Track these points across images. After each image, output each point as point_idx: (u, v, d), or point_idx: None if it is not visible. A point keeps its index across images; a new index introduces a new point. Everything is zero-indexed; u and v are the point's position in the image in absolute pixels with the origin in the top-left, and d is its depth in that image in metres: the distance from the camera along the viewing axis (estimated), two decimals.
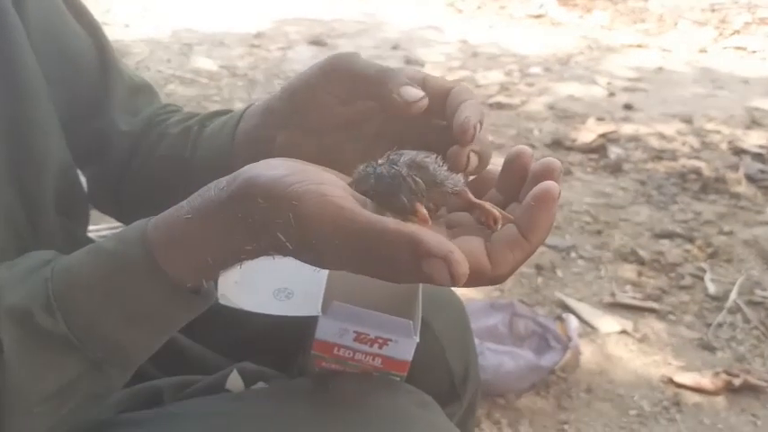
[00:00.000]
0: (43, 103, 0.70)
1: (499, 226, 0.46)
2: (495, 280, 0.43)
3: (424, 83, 0.55)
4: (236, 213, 0.44)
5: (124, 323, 0.49)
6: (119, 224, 1.71)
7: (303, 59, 4.08)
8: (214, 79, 3.65)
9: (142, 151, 0.77)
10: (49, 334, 0.48)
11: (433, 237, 0.39)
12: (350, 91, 0.57)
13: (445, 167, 0.48)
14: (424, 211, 0.44)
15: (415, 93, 0.52)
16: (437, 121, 0.55)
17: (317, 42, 4.39)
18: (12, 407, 0.49)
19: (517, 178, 0.48)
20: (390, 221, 0.41)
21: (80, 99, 0.75)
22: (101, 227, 1.41)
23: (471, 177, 0.53)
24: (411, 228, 0.40)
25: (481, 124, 0.50)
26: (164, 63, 3.85)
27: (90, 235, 0.86)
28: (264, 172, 0.44)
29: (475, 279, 0.42)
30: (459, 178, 0.48)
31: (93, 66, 0.76)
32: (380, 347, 0.64)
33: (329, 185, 0.43)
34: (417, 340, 0.63)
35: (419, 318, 0.64)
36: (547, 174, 0.45)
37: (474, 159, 0.50)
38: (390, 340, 0.63)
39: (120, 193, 0.80)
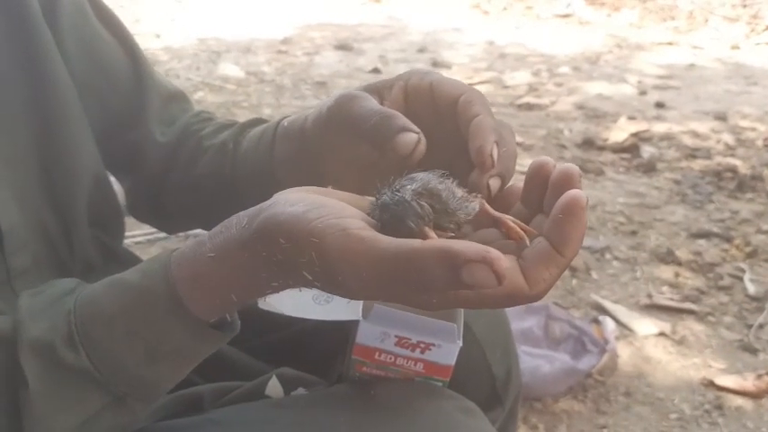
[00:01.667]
0: (76, 116, 0.70)
1: (527, 241, 0.44)
2: (533, 299, 0.41)
3: (431, 90, 0.55)
4: (259, 252, 0.43)
5: (147, 358, 0.49)
6: (153, 231, 1.73)
7: (330, 64, 4.09)
8: (242, 85, 3.67)
9: (180, 164, 0.77)
10: (71, 368, 0.48)
11: (463, 243, 0.38)
12: (352, 136, 0.56)
13: (460, 192, 0.46)
14: (433, 235, 0.42)
15: (408, 142, 0.51)
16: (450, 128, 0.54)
17: (343, 47, 4.40)
18: None
19: (541, 190, 0.46)
20: (415, 241, 0.39)
21: (116, 110, 0.76)
22: (135, 233, 1.42)
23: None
24: (438, 241, 0.39)
25: (497, 144, 0.50)
26: (192, 71, 3.89)
27: (126, 241, 0.86)
28: (284, 209, 0.42)
29: (513, 300, 0.41)
30: (473, 205, 0.46)
31: (127, 76, 0.77)
32: (423, 352, 0.63)
33: (349, 218, 0.41)
34: (461, 344, 0.62)
35: (461, 321, 0.63)
36: (567, 181, 0.44)
37: (495, 184, 0.50)
38: (433, 345, 0.62)
39: (159, 205, 0.80)
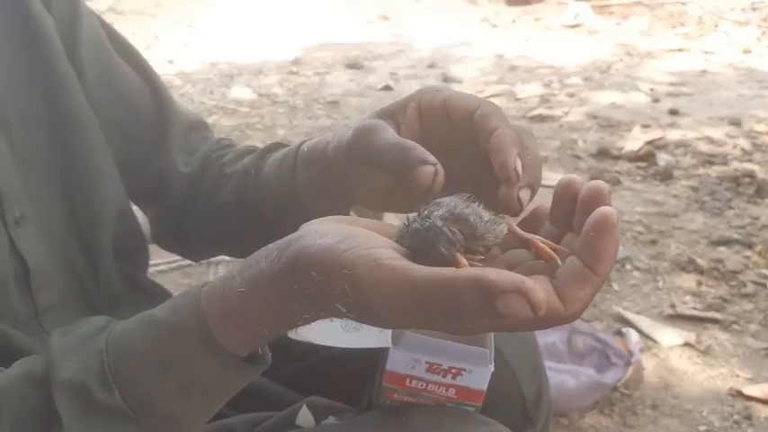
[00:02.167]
0: (98, 150, 0.71)
1: (559, 261, 0.44)
2: (568, 320, 0.41)
3: (445, 107, 0.55)
4: (291, 286, 0.43)
5: (180, 395, 0.49)
6: (175, 259, 1.74)
7: (341, 83, 4.12)
8: (255, 107, 3.70)
9: (203, 193, 0.77)
10: (105, 408, 0.48)
11: (498, 273, 0.38)
12: (373, 168, 0.56)
13: (487, 214, 0.46)
14: (464, 261, 0.42)
15: (426, 176, 0.50)
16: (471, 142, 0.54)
17: (353, 65, 4.42)
18: None
19: (569, 209, 0.46)
20: (448, 270, 0.39)
21: (138, 140, 0.76)
22: (158, 261, 1.43)
23: (522, 216, 0.52)
24: (472, 270, 0.39)
25: (520, 156, 0.49)
26: (206, 95, 3.92)
27: (149, 270, 0.87)
28: (314, 242, 0.42)
29: (549, 322, 0.40)
30: (501, 228, 0.46)
31: (148, 107, 0.77)
32: (454, 378, 0.62)
33: (380, 248, 0.41)
34: (493, 368, 0.61)
35: (492, 345, 0.63)
36: (597, 198, 0.43)
37: (526, 196, 0.50)
38: (464, 370, 0.62)
39: (184, 233, 0.81)
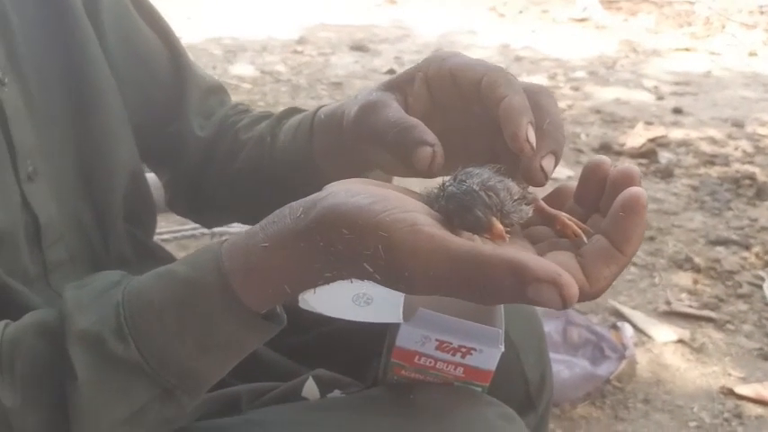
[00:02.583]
0: (114, 111, 0.70)
1: (585, 239, 0.44)
2: (592, 297, 0.41)
3: (452, 76, 0.53)
4: (317, 243, 0.42)
5: (198, 351, 0.48)
6: (180, 228, 1.73)
7: (345, 64, 4.09)
8: (258, 85, 3.68)
9: (218, 158, 0.76)
10: (120, 360, 0.48)
11: (536, 260, 0.38)
12: (379, 145, 0.55)
13: (517, 190, 0.45)
14: (500, 227, 0.42)
15: (424, 157, 0.49)
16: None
17: (358, 48, 4.40)
18: None
19: (597, 189, 0.46)
20: (486, 247, 0.39)
21: (157, 102, 0.76)
22: (162, 230, 1.42)
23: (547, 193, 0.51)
24: (510, 252, 0.38)
25: (532, 124, 0.48)
26: (209, 70, 3.87)
27: (156, 238, 0.86)
28: (347, 200, 0.42)
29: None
30: (528, 210, 0.46)
31: (166, 69, 0.77)
32: (463, 357, 0.62)
33: (416, 213, 0.41)
34: (503, 349, 0.61)
35: (503, 325, 0.62)
36: (628, 180, 0.43)
37: (549, 164, 0.48)
38: (474, 349, 0.62)
39: (198, 199, 0.80)
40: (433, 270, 0.39)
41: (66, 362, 0.48)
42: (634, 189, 0.41)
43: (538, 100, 0.50)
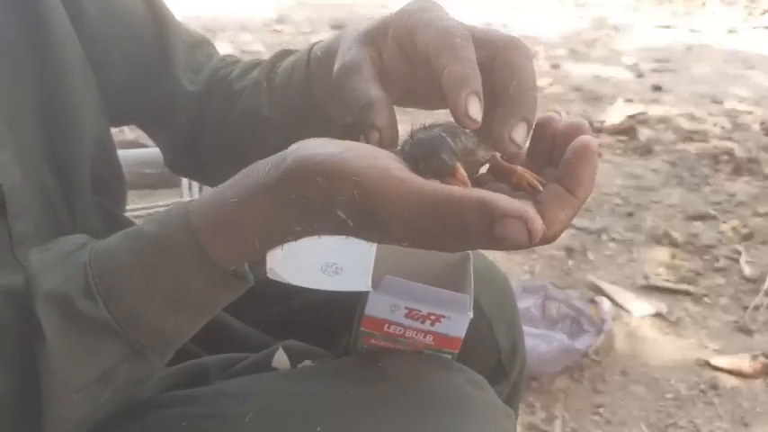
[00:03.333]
0: (79, 79, 0.69)
1: (540, 188, 0.45)
2: (549, 240, 0.42)
3: (412, 39, 0.50)
4: (287, 195, 0.43)
5: (167, 309, 0.48)
6: (155, 205, 1.71)
7: None
8: None
9: (212, 113, 0.74)
10: (89, 320, 0.47)
11: (504, 198, 0.39)
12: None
13: (475, 138, 0.47)
14: (464, 173, 0.43)
15: (373, 141, 0.48)
16: None
17: (338, 26, 4.36)
18: (52, 395, 0.48)
19: (548, 144, 0.47)
20: (455, 188, 0.40)
21: (140, 60, 0.74)
22: (136, 207, 1.41)
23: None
24: (479, 191, 0.39)
25: (474, 94, 0.45)
26: None
27: (127, 215, 0.85)
28: (319, 150, 0.42)
29: (531, 240, 0.41)
30: (488, 154, 0.47)
31: (147, 24, 0.74)
32: (433, 324, 0.62)
33: (387, 159, 0.42)
34: (471, 316, 0.61)
35: (472, 292, 0.62)
36: (577, 131, 0.44)
37: (520, 134, 0.45)
38: (443, 316, 0.61)
39: (198, 156, 0.78)
40: (407, 211, 0.40)
41: (35, 323, 0.47)
42: (584, 137, 0.43)
43: (505, 57, 0.47)
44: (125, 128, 2.58)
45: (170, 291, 0.48)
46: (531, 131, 0.46)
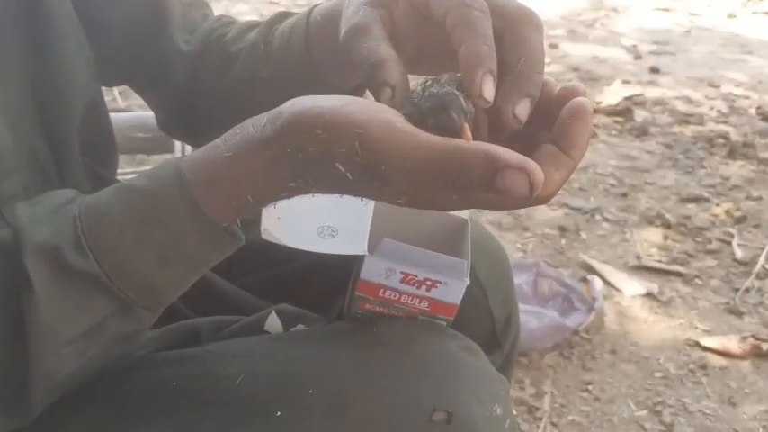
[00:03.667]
0: (70, 38, 0.67)
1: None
2: (543, 200, 0.43)
3: (427, 5, 0.49)
4: (283, 149, 0.42)
5: (158, 263, 0.47)
6: (144, 169, 1.69)
7: None
8: None
9: (208, 74, 0.73)
10: (79, 273, 0.46)
11: (506, 150, 0.39)
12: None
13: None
14: (469, 134, 0.43)
15: (384, 99, 0.47)
16: None
17: None
18: (40, 349, 0.47)
19: (543, 108, 0.46)
20: (462, 141, 0.40)
21: (135, 18, 0.72)
22: (126, 171, 1.39)
23: None
24: (482, 143, 0.40)
25: (490, 73, 0.44)
26: None
27: (119, 179, 0.84)
28: (317, 103, 0.42)
29: (525, 199, 0.41)
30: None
31: None
32: (428, 290, 0.61)
33: (389, 113, 0.42)
34: (468, 282, 0.60)
35: (469, 259, 0.62)
36: (572, 94, 0.44)
37: (523, 111, 0.45)
38: (440, 282, 0.61)
39: (192, 118, 0.77)
40: (409, 162, 0.39)
41: (23, 276, 0.46)
42: (579, 99, 0.43)
43: (516, 31, 0.47)
44: (117, 96, 2.55)
45: (161, 244, 0.47)
46: (534, 105, 0.45)
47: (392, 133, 0.40)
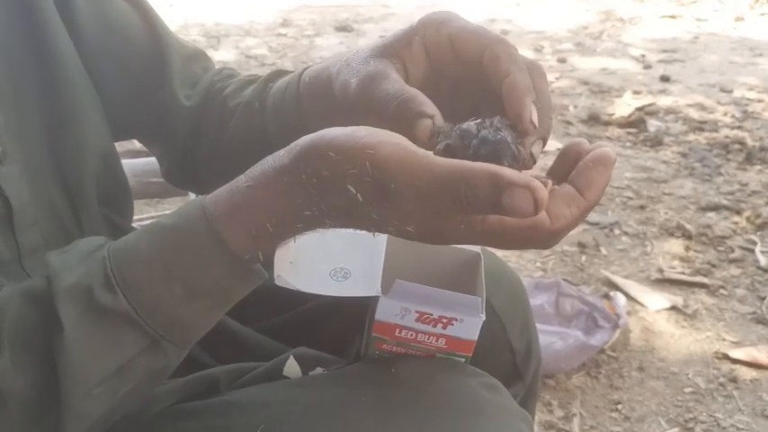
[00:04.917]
0: (82, 92, 0.69)
1: (550, 184, 0.46)
2: (552, 234, 0.44)
3: (451, 43, 0.53)
4: (299, 174, 0.44)
5: (185, 297, 0.49)
6: (163, 214, 1.71)
7: (331, 46, 4.06)
8: (242, 69, 3.61)
9: (208, 128, 0.75)
10: (109, 310, 0.48)
11: (511, 170, 0.41)
12: (378, 116, 0.54)
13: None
14: None
15: (424, 129, 0.49)
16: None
17: (343, 28, 4.35)
18: (71, 390, 0.48)
19: (571, 166, 0.48)
20: (466, 162, 0.42)
21: (137, 73, 0.74)
22: (143, 216, 1.41)
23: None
24: (490, 165, 0.41)
25: (535, 104, 0.49)
26: None
27: (134, 225, 0.84)
28: (330, 132, 0.44)
29: (534, 231, 0.43)
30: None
31: (143, 38, 0.74)
32: (444, 327, 0.61)
33: (399, 137, 0.44)
34: (484, 318, 0.60)
35: (484, 294, 0.61)
36: (602, 154, 0.46)
37: (538, 150, 0.50)
38: (455, 319, 0.60)
39: (194, 169, 0.78)
40: (418, 181, 0.41)
41: (54, 319, 0.48)
42: (605, 148, 0.45)
43: (534, 81, 0.51)
44: None
45: (187, 277, 0.48)
46: (544, 146, 0.50)
47: (401, 152, 0.42)
